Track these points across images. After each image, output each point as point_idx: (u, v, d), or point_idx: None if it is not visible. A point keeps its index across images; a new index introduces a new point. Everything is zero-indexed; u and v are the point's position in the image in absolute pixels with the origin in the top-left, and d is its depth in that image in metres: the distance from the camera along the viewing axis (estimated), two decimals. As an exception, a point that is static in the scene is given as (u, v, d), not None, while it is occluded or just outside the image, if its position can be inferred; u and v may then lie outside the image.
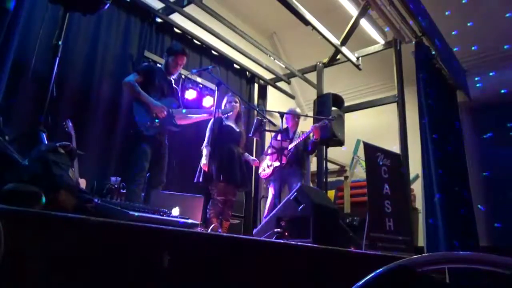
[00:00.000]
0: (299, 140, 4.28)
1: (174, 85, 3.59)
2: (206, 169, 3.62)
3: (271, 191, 4.31)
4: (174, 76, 3.58)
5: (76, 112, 3.56)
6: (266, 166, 4.38)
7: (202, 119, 3.68)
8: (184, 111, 3.47)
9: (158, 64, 4.03)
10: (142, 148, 3.17)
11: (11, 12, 1.84)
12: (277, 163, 4.10)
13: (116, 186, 3.43)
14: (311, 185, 5.51)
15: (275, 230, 2.46)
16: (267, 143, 4.95)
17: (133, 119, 3.22)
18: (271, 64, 6.00)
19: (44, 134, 2.03)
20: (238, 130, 3.97)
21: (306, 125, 4.53)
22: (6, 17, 1.82)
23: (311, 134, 4.27)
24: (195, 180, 3.74)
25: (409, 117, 4.74)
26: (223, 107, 3.97)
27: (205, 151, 3.74)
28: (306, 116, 5.80)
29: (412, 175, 5.12)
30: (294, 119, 4.46)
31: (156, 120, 3.23)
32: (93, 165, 3.62)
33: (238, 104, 4.02)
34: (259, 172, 4.53)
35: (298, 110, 4.66)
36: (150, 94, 3.25)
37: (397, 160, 3.72)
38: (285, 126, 4.42)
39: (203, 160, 3.69)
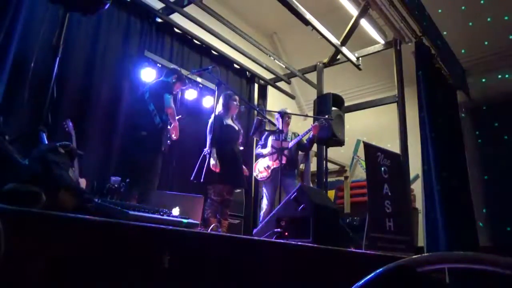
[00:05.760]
0: (298, 139, 4.27)
1: None
2: (218, 170, 3.58)
3: (265, 199, 4.27)
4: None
5: (76, 112, 3.55)
6: (263, 168, 4.33)
7: None
8: None
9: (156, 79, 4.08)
10: None
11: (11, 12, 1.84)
12: (275, 165, 4.09)
13: (116, 186, 3.43)
14: (310, 185, 5.50)
15: (275, 230, 2.46)
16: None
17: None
18: (271, 64, 5.99)
19: (44, 134, 2.02)
20: (237, 129, 4.01)
21: (306, 126, 4.52)
22: (6, 17, 1.82)
23: (310, 133, 4.27)
24: (191, 178, 3.68)
25: (409, 117, 4.74)
26: (220, 105, 3.98)
27: (212, 152, 3.67)
28: (306, 116, 5.80)
29: (412, 175, 5.11)
30: (284, 119, 4.42)
31: None
32: (93, 165, 3.61)
33: (237, 103, 4.04)
34: (256, 174, 4.46)
35: (288, 110, 4.62)
36: None
37: (397, 160, 3.72)
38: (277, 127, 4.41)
39: (212, 161, 3.60)
